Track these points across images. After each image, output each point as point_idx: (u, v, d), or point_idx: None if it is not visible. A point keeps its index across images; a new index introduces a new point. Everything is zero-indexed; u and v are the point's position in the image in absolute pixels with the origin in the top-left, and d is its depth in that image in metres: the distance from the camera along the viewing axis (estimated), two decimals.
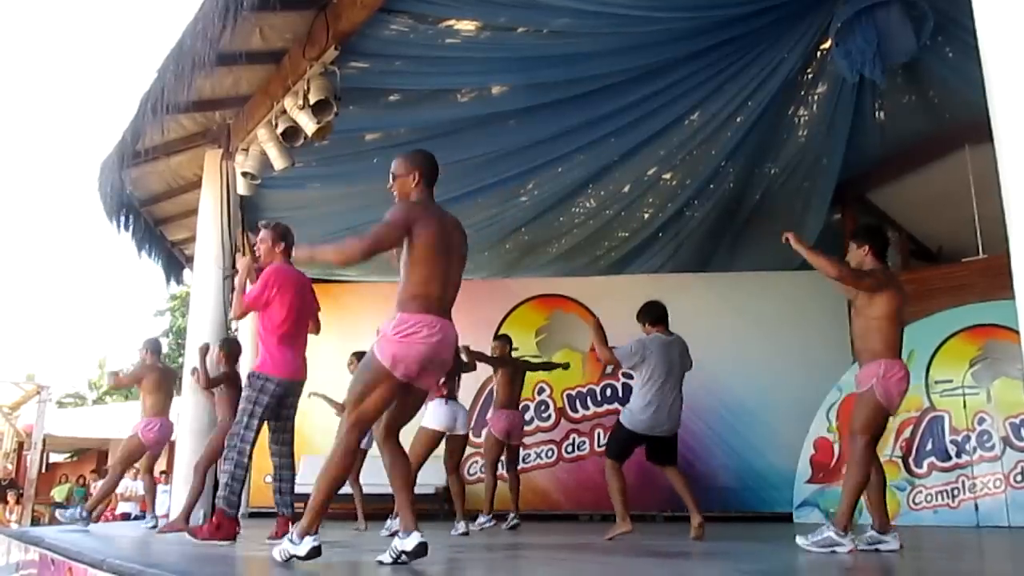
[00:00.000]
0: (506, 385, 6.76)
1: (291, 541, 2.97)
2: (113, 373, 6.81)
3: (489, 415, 7.01)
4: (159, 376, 6.44)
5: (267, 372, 4.40)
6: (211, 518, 4.45)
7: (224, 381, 5.78)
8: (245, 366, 6.24)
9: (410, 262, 3.13)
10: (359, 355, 6.57)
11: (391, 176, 3.44)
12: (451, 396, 5.97)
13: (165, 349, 6.90)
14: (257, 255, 4.71)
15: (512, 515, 6.45)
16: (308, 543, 2.94)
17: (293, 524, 4.06)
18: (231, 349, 6.04)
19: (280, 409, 4.54)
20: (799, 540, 3.99)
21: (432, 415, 5.76)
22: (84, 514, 6.11)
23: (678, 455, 5.41)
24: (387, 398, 3.08)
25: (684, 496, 5.15)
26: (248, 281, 4.54)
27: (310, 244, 3.48)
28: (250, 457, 4.34)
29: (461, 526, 5.69)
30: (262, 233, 4.70)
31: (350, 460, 3.09)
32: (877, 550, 4.02)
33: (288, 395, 4.54)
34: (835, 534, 3.88)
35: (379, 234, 3.15)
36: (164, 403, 6.40)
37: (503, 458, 6.71)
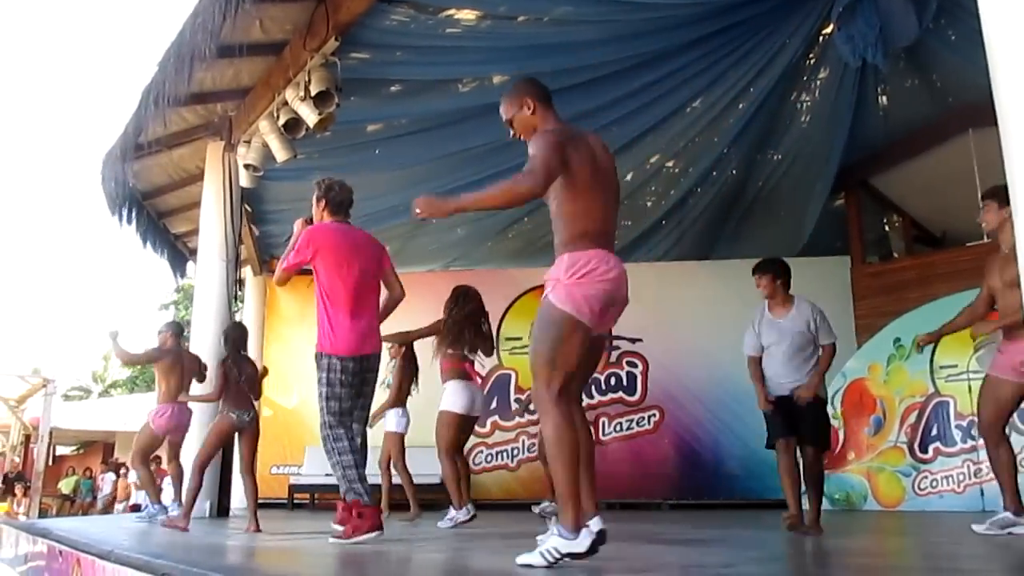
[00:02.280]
0: None
1: (564, 538, 2.48)
2: (114, 334, 6.29)
3: None
4: (173, 360, 6.26)
5: (326, 351, 3.96)
6: (349, 515, 3.85)
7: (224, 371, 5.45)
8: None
9: (567, 196, 2.71)
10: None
11: (507, 124, 2.98)
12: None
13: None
14: (309, 215, 4.31)
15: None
16: (585, 537, 2.48)
17: (346, 510, 3.79)
18: (230, 334, 5.64)
19: (363, 387, 4.11)
20: (975, 528, 3.96)
21: (453, 396, 5.53)
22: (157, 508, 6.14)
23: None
24: (581, 350, 2.69)
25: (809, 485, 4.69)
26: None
27: (445, 196, 2.86)
28: (350, 440, 3.92)
29: (462, 514, 5.41)
30: (314, 192, 4.33)
31: (571, 432, 2.62)
32: (1010, 534, 3.97)
33: (364, 371, 4.07)
34: (1013, 514, 3.88)
35: (543, 161, 2.64)
36: (178, 389, 6.20)
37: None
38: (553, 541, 2.49)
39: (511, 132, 2.98)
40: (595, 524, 2.53)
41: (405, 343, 6.28)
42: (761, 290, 4.85)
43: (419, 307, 8.94)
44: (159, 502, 6.41)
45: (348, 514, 3.78)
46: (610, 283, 2.67)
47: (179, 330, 6.60)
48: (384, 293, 4.30)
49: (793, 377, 4.69)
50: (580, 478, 2.58)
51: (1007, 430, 4.31)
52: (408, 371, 6.47)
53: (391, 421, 6.37)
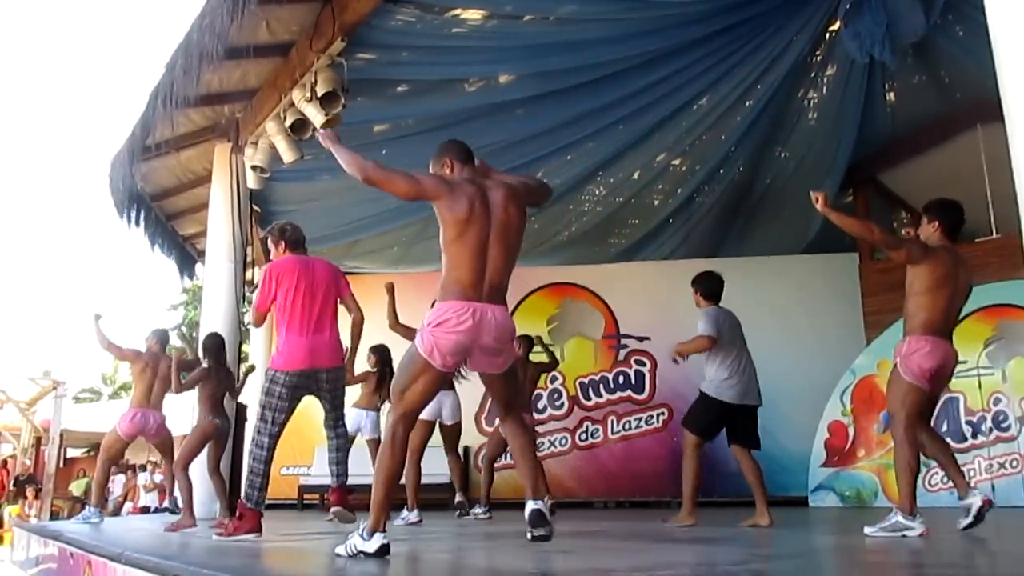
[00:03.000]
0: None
1: (361, 537, 2.91)
2: (97, 316, 6.39)
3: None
4: (144, 365, 6.18)
5: (274, 367, 4.34)
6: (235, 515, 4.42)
7: (201, 379, 5.66)
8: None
9: (444, 246, 3.05)
10: (377, 349, 6.61)
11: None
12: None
13: (178, 343, 6.75)
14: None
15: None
16: (378, 540, 2.88)
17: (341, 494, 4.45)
18: (208, 344, 5.84)
19: (333, 396, 4.55)
20: (867, 530, 3.86)
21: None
22: (94, 511, 6.09)
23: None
24: (428, 387, 3.02)
25: (755, 488, 4.93)
26: None
27: (349, 150, 3.38)
28: (270, 450, 4.26)
29: (412, 515, 5.85)
30: (268, 241, 4.70)
31: (401, 452, 3.00)
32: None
33: (310, 384, 4.41)
34: (903, 518, 3.79)
35: (411, 176, 3.08)
36: (144, 394, 6.12)
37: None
38: (354, 538, 2.92)
39: None
40: (531, 505, 2.97)
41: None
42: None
43: (428, 307, 9.03)
44: (98, 507, 6.30)
45: (247, 516, 4.17)
46: (461, 334, 2.92)
47: (164, 338, 6.49)
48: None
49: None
50: (518, 469, 3.10)
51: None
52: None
53: (448, 412, 6.25)
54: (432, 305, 3.02)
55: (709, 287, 5.24)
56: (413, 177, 3.06)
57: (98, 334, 6.44)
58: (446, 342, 2.92)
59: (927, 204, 4.11)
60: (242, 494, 4.30)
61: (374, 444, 6.51)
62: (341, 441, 4.71)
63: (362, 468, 5.65)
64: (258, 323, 4.80)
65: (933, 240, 3.99)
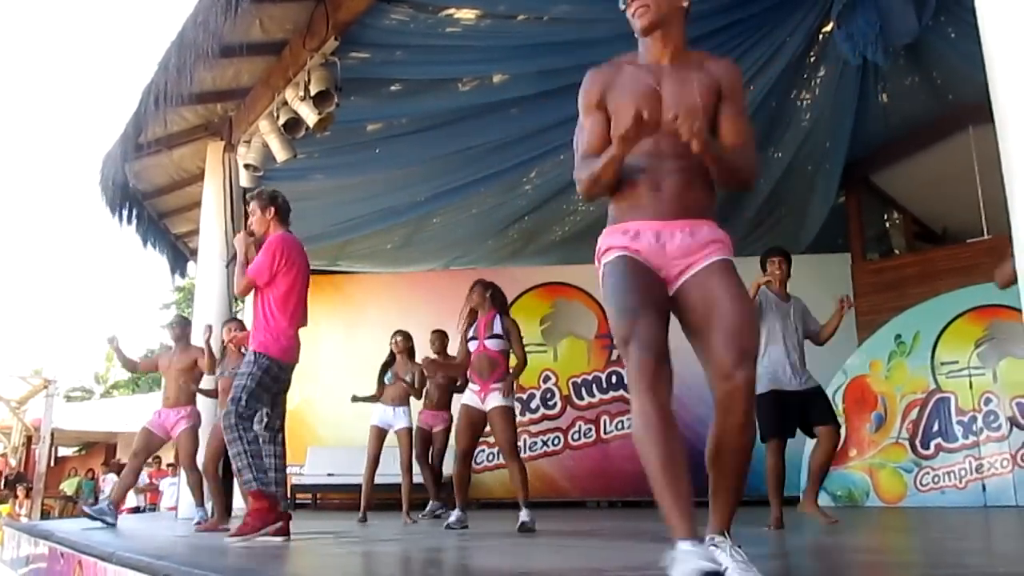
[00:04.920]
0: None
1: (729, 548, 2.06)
2: (112, 340, 6.24)
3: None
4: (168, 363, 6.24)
5: (269, 353, 4.03)
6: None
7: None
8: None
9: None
10: (439, 332, 6.61)
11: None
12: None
13: (171, 341, 6.72)
14: (251, 228, 4.35)
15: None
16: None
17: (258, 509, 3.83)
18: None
19: (279, 395, 4.21)
20: None
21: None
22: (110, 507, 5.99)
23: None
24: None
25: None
26: (248, 257, 4.21)
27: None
28: (252, 434, 3.97)
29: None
30: (251, 204, 4.39)
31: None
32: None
33: (288, 381, 4.22)
34: None
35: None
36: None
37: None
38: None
39: None
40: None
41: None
42: (775, 275, 4.86)
43: (421, 307, 9.04)
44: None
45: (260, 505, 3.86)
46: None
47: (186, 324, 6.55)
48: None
49: (799, 378, 4.81)
50: None
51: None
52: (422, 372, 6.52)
53: (403, 418, 6.35)
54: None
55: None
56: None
57: (121, 359, 6.35)
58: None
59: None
60: (243, 482, 3.96)
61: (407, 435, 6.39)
62: (282, 449, 4.19)
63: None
64: (245, 293, 4.35)
65: None
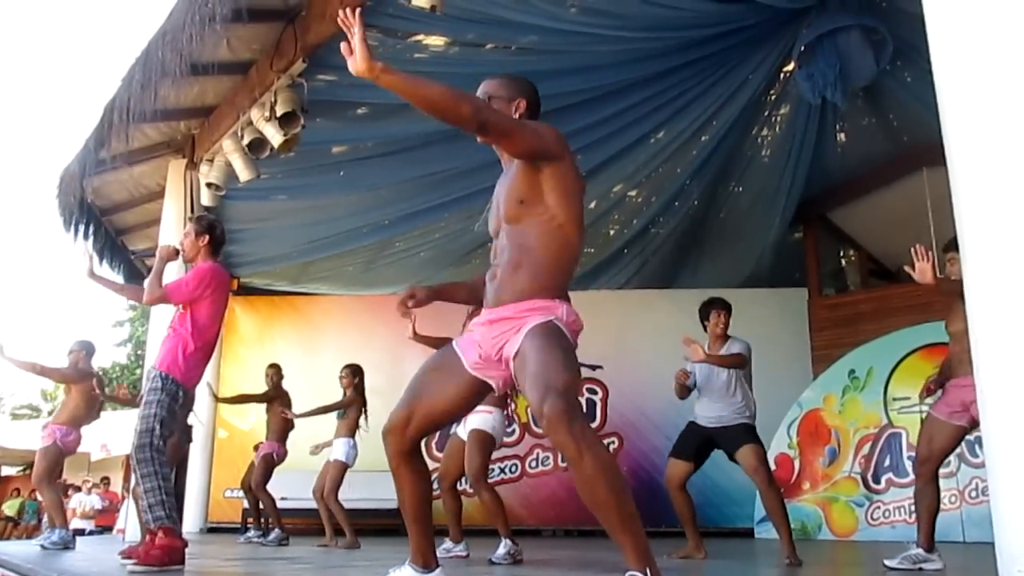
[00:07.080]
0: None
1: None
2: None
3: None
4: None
5: (178, 378, 3.91)
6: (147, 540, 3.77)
7: None
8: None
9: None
10: (352, 367, 6.56)
11: (485, 96, 2.61)
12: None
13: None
14: (183, 245, 4.26)
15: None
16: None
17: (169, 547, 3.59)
18: None
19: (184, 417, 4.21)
20: (886, 562, 3.99)
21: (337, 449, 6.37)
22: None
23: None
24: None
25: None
26: (159, 270, 4.12)
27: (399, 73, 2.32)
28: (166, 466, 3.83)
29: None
30: (187, 225, 4.36)
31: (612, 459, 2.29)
32: (921, 569, 3.95)
33: (192, 400, 4.20)
34: (924, 550, 3.95)
35: (518, 123, 2.43)
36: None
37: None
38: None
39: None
40: None
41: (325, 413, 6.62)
42: (715, 329, 5.04)
43: (381, 330, 8.98)
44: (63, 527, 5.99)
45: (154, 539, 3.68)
46: None
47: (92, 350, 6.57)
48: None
49: (720, 413, 5.04)
50: None
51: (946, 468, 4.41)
52: (359, 403, 6.50)
53: (339, 450, 6.35)
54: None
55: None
56: (534, 127, 2.47)
57: (18, 365, 6.19)
58: None
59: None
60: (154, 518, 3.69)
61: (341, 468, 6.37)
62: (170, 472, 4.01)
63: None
64: (153, 303, 4.18)
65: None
